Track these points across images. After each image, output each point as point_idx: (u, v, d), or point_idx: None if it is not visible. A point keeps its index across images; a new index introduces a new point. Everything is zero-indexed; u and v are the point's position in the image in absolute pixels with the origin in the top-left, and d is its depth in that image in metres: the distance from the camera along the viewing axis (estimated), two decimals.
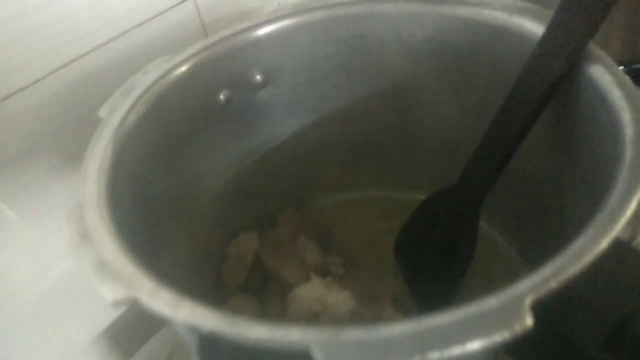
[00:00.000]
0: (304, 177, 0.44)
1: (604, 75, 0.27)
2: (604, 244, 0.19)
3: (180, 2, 0.41)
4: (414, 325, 0.18)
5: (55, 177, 0.38)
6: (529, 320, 0.17)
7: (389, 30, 0.37)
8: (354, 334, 0.18)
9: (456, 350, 0.17)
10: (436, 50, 0.37)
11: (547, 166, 0.32)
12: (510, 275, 0.37)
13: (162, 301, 0.20)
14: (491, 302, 0.18)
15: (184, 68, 0.34)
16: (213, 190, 0.39)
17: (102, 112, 0.30)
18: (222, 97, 0.37)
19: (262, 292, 0.40)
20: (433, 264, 0.38)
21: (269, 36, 0.37)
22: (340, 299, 0.35)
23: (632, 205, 0.20)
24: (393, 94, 0.40)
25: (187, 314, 0.20)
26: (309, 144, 0.43)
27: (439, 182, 0.37)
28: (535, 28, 0.32)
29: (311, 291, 0.36)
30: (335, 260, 0.41)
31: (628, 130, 0.24)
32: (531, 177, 0.34)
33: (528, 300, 0.18)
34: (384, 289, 0.39)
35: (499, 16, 0.34)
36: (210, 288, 0.41)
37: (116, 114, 0.30)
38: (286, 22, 0.37)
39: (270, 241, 0.43)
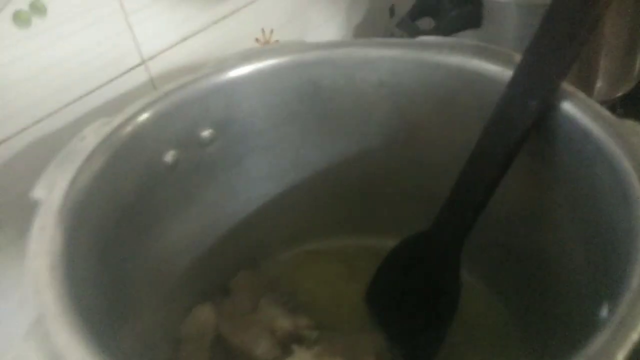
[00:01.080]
0: (258, 232, 0.40)
1: (581, 109, 0.27)
2: None
3: (130, 70, 0.37)
4: None
5: None
6: None
7: (342, 76, 0.36)
8: None
9: None
10: (391, 93, 0.36)
11: (532, 208, 0.32)
12: (496, 328, 0.37)
13: None
14: None
15: (126, 130, 0.30)
16: (164, 260, 0.34)
17: (37, 192, 0.25)
18: (168, 158, 0.33)
19: None
20: (413, 315, 0.36)
21: (216, 88, 0.34)
22: None
23: None
24: (349, 139, 0.38)
25: None
26: (263, 197, 0.39)
27: (405, 227, 0.36)
28: (496, 69, 0.32)
29: None
30: (306, 323, 0.37)
31: (624, 162, 0.24)
32: (514, 221, 0.34)
33: None
34: (364, 348, 0.36)
35: (455, 58, 0.33)
36: None
37: (56, 193, 0.25)
38: (233, 73, 0.34)
39: (228, 312, 0.38)
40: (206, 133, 0.35)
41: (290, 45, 0.36)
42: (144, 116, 0.31)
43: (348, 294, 0.39)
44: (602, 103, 0.28)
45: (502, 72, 0.31)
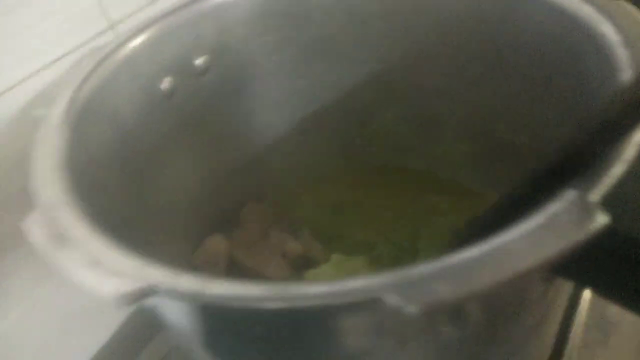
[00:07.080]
0: (262, 164, 0.41)
1: None
2: None
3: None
4: (489, 245, 0.16)
5: None
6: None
7: None
8: (425, 268, 0.16)
9: (537, 259, 0.15)
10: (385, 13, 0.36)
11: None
12: None
13: (187, 281, 0.17)
14: (555, 207, 0.17)
15: (120, 53, 0.30)
16: (170, 190, 0.35)
17: (38, 111, 0.26)
18: (164, 85, 0.34)
19: None
20: None
21: (205, 12, 0.34)
22: None
23: None
24: (345, 64, 0.38)
25: (221, 288, 0.17)
26: (264, 129, 0.40)
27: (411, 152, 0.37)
28: None
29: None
30: (315, 246, 0.38)
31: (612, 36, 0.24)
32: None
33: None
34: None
35: None
36: None
37: (56, 109, 0.26)
38: None
39: (240, 240, 0.39)
40: (201, 60, 0.35)
41: None
42: (137, 40, 0.31)
43: (354, 220, 0.40)
44: None
45: None
